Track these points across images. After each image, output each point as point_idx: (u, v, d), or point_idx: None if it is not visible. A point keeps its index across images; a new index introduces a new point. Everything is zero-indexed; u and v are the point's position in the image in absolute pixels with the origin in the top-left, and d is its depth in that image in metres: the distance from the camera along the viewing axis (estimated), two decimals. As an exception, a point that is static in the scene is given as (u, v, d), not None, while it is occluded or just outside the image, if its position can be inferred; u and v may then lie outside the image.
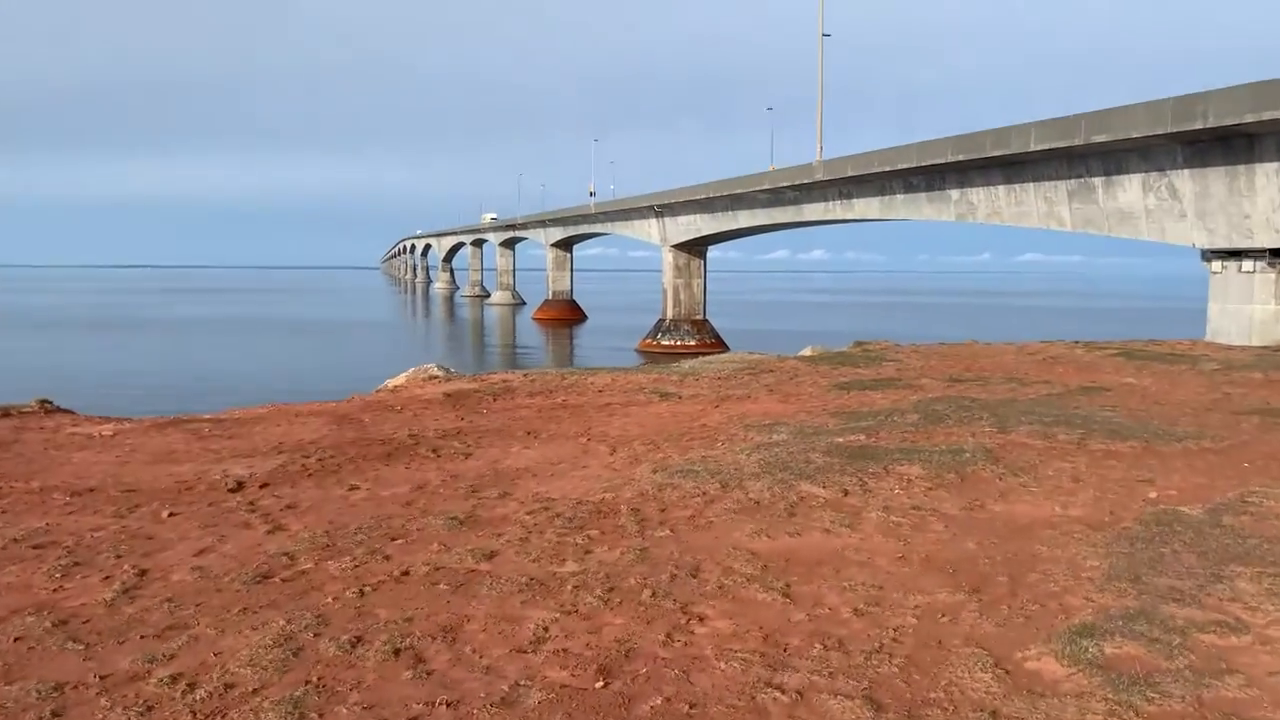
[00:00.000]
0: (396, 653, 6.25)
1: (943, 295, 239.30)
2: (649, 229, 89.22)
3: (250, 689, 5.77)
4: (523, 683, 5.81)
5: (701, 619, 6.80)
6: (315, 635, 6.54)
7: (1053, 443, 12.63)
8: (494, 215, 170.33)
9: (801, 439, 13.03)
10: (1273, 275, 31.28)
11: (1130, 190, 35.65)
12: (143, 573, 7.92)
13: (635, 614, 6.87)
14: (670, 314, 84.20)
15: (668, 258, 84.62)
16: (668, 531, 8.94)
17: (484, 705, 5.53)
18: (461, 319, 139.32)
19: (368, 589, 7.49)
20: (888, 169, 47.76)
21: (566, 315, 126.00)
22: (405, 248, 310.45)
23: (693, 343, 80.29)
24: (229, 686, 5.81)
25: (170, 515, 9.70)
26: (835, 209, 57.10)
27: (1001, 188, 41.88)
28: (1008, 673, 5.81)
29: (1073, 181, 38.00)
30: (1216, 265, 32.82)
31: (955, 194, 45.11)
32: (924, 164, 44.49)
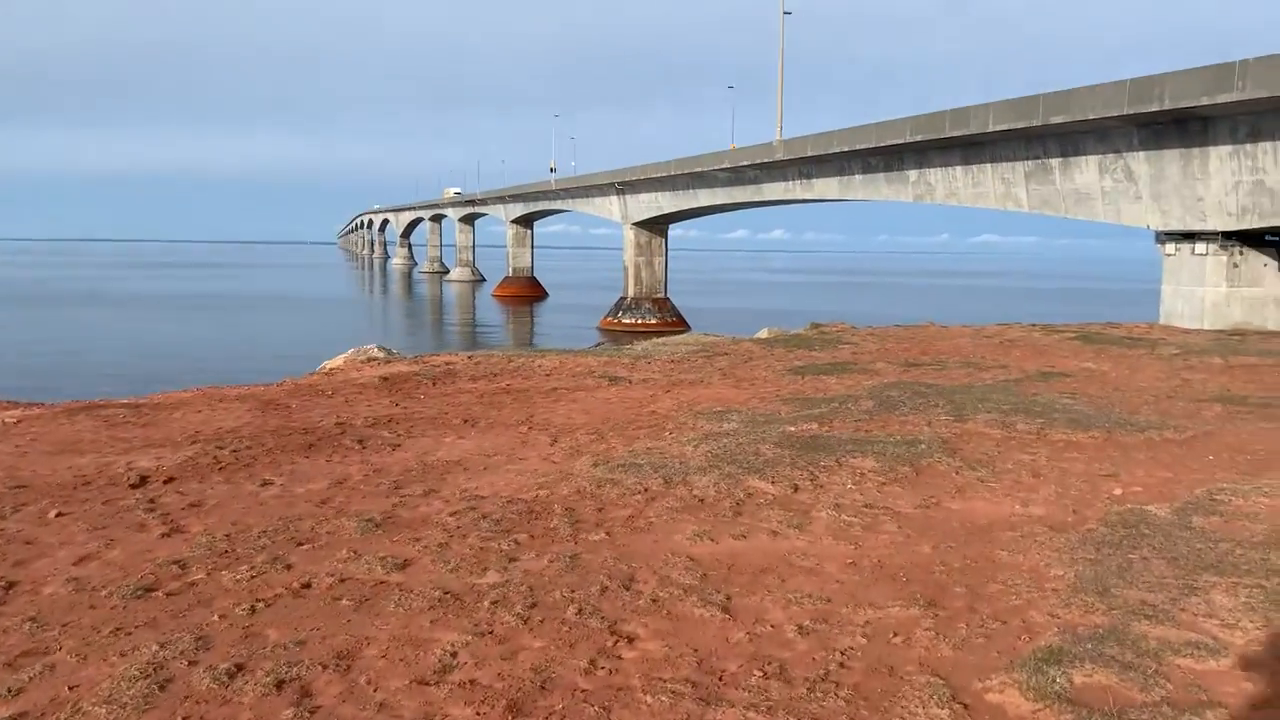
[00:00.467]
0: (280, 685, 5.49)
1: (901, 275, 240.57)
2: (610, 206, 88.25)
3: (103, 732, 5.01)
4: (420, 722, 5.10)
5: (631, 640, 6.11)
6: (190, 663, 5.77)
7: (1011, 432, 12.11)
8: (458, 190, 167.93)
9: (752, 428, 12.39)
10: (1224, 258, 31.28)
11: (1087, 172, 35.47)
12: (9, 585, 7.08)
13: (557, 636, 6.17)
14: (632, 292, 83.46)
15: (629, 236, 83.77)
16: (603, 535, 8.24)
17: (371, 751, 4.81)
18: (420, 295, 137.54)
19: (261, 605, 6.72)
20: (847, 149, 47.27)
21: (527, 292, 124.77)
22: (363, 222, 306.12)
23: (654, 321, 79.70)
24: (78, 729, 5.04)
25: (58, 515, 8.83)
26: (795, 189, 56.57)
27: (960, 168, 41.56)
28: (966, 708, 5.18)
29: (1030, 163, 37.76)
30: (1170, 247, 32.79)
31: (914, 174, 44.73)
32: (883, 144, 44.05)
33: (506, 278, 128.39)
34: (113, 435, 12.50)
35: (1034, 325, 27.03)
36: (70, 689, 5.47)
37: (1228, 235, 30.96)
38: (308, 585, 7.11)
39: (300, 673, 5.64)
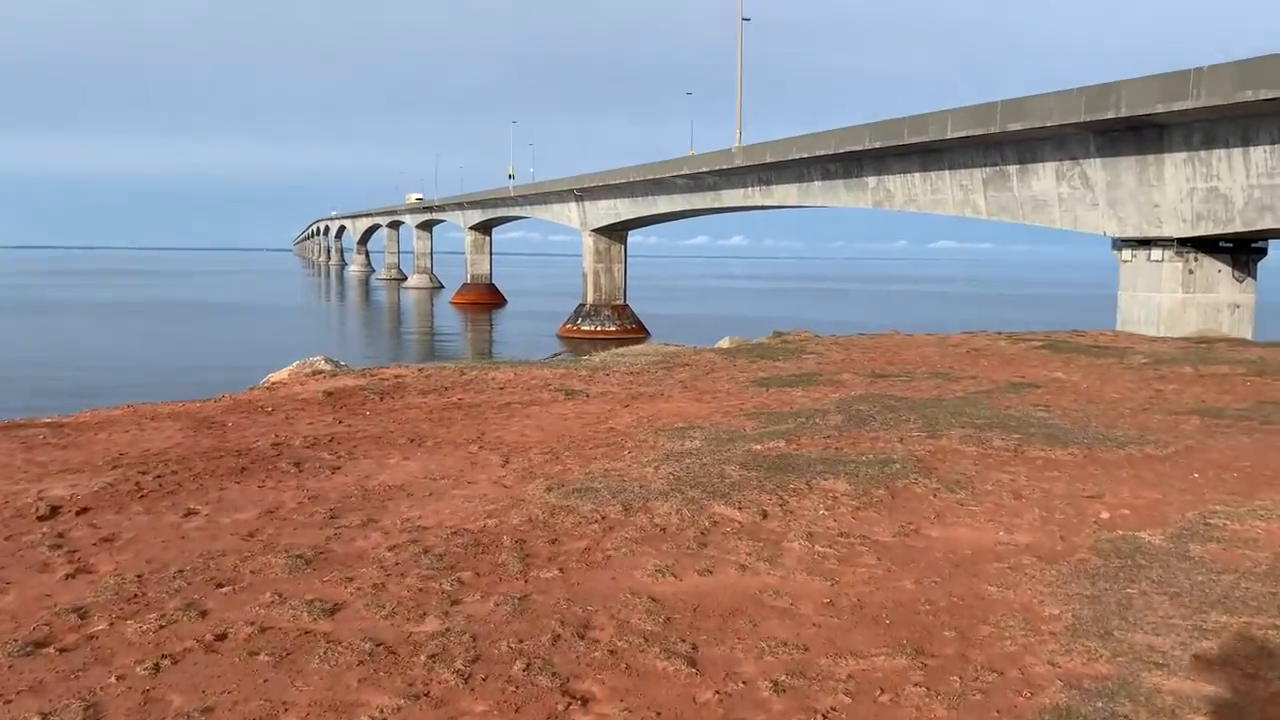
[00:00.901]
0: (175, 768, 4.72)
1: (860, 282, 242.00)
2: (569, 213, 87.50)
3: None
4: (337, 814, 4.35)
5: (585, 703, 5.40)
6: (73, 741, 4.98)
7: (987, 449, 11.56)
8: (419, 195, 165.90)
9: (716, 446, 11.73)
10: (1180, 264, 31.36)
11: (1044, 178, 35.44)
12: (-123, 643, 6.21)
13: (502, 698, 5.44)
14: (591, 299, 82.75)
15: (588, 242, 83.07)
16: (556, 571, 7.52)
17: None
18: (377, 303, 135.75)
19: (167, 662, 5.92)
20: (806, 155, 47.01)
21: (485, 299, 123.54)
22: (319, 229, 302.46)
23: (613, 328, 79.07)
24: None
25: (-50, 554, 7.94)
26: (754, 195, 56.22)
27: (918, 175, 41.41)
28: (969, 785, 4.54)
29: (988, 169, 37.68)
30: (1127, 254, 32.87)
31: (873, 181, 44.54)
32: (842, 151, 43.85)
33: (465, 285, 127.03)
34: (28, 459, 11.55)
35: (999, 333, 26.69)
36: (-75, 777, 4.67)
37: (1183, 242, 31.03)
38: (223, 637, 6.32)
39: (201, 751, 4.88)
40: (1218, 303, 31.90)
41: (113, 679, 5.71)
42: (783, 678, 5.69)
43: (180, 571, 7.54)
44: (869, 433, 12.61)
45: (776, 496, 9.43)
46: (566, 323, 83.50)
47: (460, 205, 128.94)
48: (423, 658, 5.95)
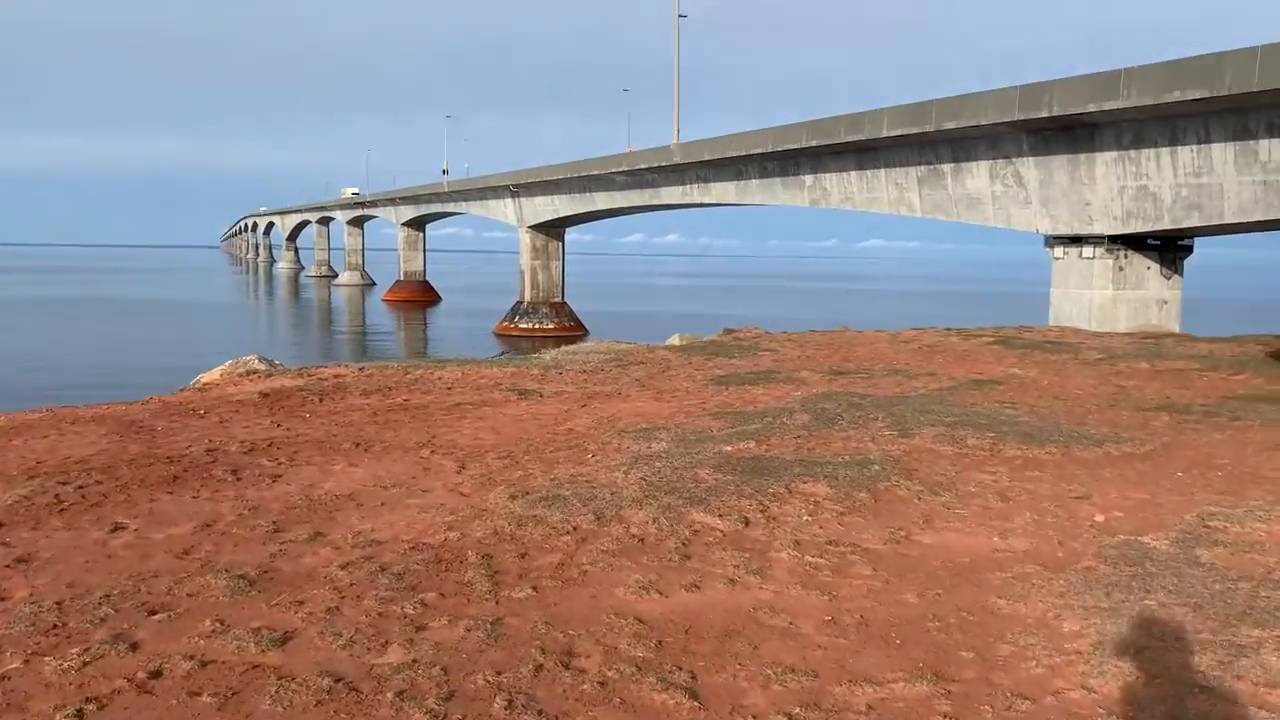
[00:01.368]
0: (104, 844, 3.99)
1: (796, 279, 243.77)
2: (505, 209, 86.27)
3: None
4: None
5: (579, 746, 4.78)
6: (-21, 812, 4.21)
7: (963, 449, 11.17)
8: (355, 190, 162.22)
9: (685, 448, 11.15)
10: (1110, 261, 31.76)
11: (978, 177, 35.61)
12: None
13: (484, 742, 4.79)
14: (528, 296, 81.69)
15: (525, 239, 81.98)
16: (529, 590, 6.86)
17: None
18: (307, 300, 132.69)
19: (91, 707, 5.15)
20: (743, 153, 46.73)
21: (419, 297, 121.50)
22: (247, 225, 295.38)
23: (551, 325, 78.14)
24: None
25: None
26: (693, 192, 55.82)
27: (854, 173, 41.38)
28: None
29: (923, 168, 37.76)
30: (1059, 251, 33.21)
31: (809, 179, 44.44)
32: (779, 149, 43.64)
33: (398, 281, 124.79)
34: (-68, 469, 10.51)
35: (949, 329, 26.59)
36: None
37: (1114, 239, 31.40)
38: (157, 674, 5.55)
39: (135, 821, 4.14)
40: (1147, 299, 32.38)
41: (27, 730, 4.93)
42: (796, 710, 5.13)
43: (107, 596, 6.72)
44: (839, 432, 12.15)
45: (756, 502, 8.89)
46: (503, 320, 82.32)
47: (393, 201, 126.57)
48: (389, 695, 5.27)
